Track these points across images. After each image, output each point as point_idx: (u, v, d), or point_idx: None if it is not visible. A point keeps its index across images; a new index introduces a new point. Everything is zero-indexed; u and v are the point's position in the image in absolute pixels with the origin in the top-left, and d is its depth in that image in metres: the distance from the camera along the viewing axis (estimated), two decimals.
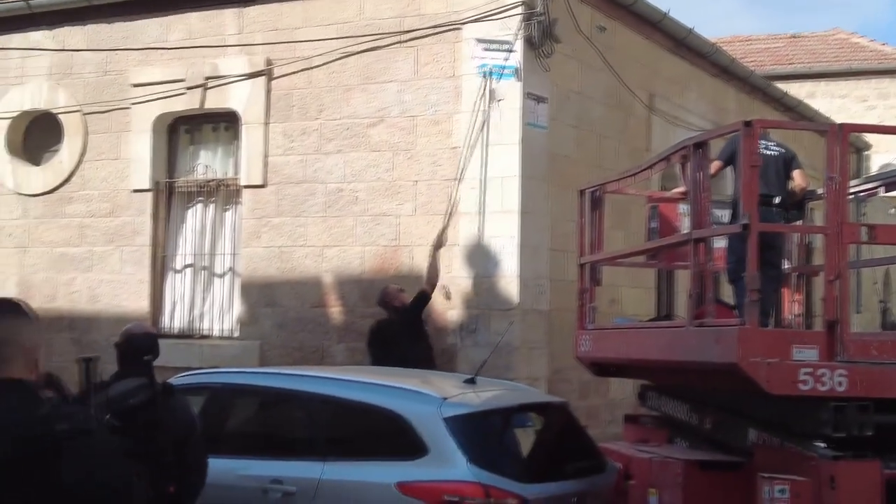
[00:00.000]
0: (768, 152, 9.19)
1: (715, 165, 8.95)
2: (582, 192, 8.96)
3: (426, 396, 6.89)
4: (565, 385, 11.47)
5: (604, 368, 8.94)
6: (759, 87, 17.25)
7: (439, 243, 10.97)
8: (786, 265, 9.53)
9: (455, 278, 10.99)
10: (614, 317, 11.45)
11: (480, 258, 10.97)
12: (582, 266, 8.90)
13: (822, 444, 6.27)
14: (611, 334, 8.51)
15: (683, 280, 13.92)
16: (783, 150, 9.52)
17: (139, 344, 6.28)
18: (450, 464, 6.47)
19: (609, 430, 11.79)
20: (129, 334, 6.55)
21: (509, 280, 10.86)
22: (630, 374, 9.08)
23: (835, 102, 26.60)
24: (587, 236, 8.83)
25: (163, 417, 5.68)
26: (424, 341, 10.55)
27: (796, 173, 9.39)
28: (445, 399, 6.83)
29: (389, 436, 6.88)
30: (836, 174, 6.35)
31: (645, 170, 8.36)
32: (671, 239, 8.49)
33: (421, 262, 11.25)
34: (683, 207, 9.26)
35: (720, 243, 9.02)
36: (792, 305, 9.58)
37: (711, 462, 7.00)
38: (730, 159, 9.21)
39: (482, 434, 6.86)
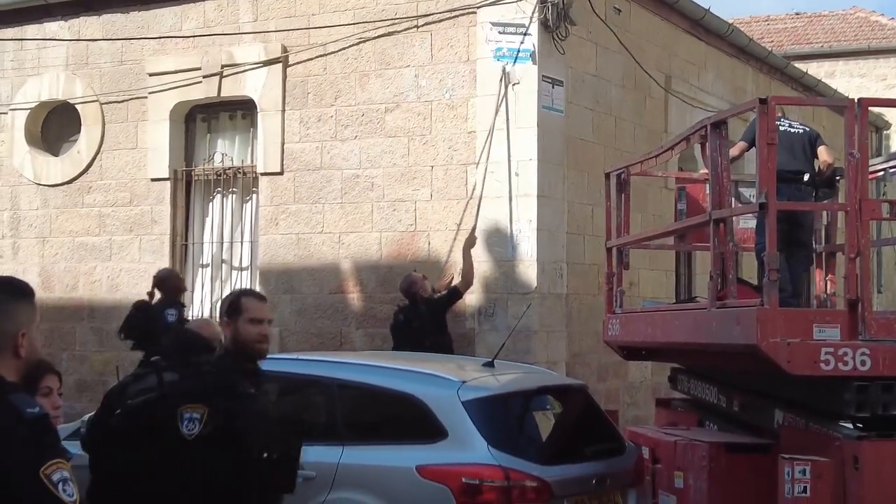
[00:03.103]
0: (793, 130, 9.08)
1: (740, 147, 8.88)
2: (608, 176, 8.91)
3: (444, 380, 6.89)
4: (584, 368, 11.47)
5: (633, 352, 8.88)
6: (777, 67, 17.17)
7: (471, 241, 10.80)
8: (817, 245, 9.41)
9: (473, 263, 10.96)
10: (632, 299, 11.45)
11: (498, 242, 10.95)
12: (609, 250, 8.85)
13: (848, 425, 6.22)
14: (638, 318, 8.46)
15: (702, 261, 13.91)
16: (807, 129, 9.36)
17: (179, 341, 6.21)
18: (469, 447, 6.47)
19: (629, 413, 11.81)
20: (182, 330, 6.42)
21: (527, 264, 10.85)
22: (658, 357, 9.02)
23: (854, 81, 26.44)
24: (613, 219, 8.77)
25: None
26: (447, 332, 10.53)
27: (822, 150, 9.17)
28: (464, 382, 6.82)
29: (408, 420, 6.88)
30: (855, 150, 6.29)
31: (666, 151, 8.31)
32: (692, 220, 8.44)
33: (438, 247, 11.24)
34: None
35: (749, 223, 8.94)
36: (824, 284, 9.46)
37: (737, 444, 6.96)
38: (755, 140, 9.15)
39: (501, 417, 6.86)
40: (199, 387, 4.90)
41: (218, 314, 5.14)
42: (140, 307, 10.85)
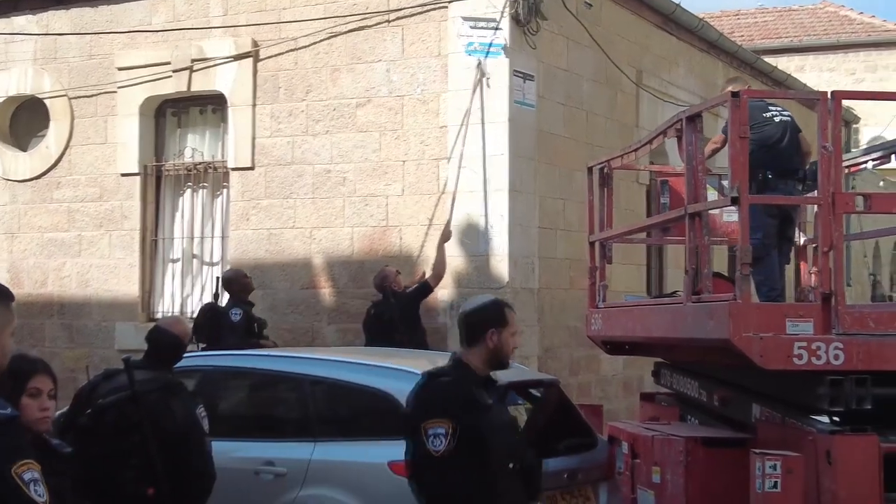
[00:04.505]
0: (784, 118, 8.77)
1: (720, 139, 8.81)
2: (590, 170, 8.88)
3: (416, 375, 6.86)
4: (556, 362, 11.48)
5: (616, 347, 8.84)
6: (747, 62, 17.22)
7: (446, 236, 10.79)
8: (802, 238, 9.33)
9: (445, 257, 10.95)
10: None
11: (470, 237, 10.94)
12: (592, 244, 8.82)
13: (823, 419, 6.20)
14: (619, 312, 8.42)
15: (674, 255, 13.96)
16: (791, 115, 8.96)
17: (150, 340, 6.19)
18: None
19: None
20: (153, 328, 6.36)
21: (499, 259, 10.84)
22: (641, 352, 8.96)
23: (823, 76, 26.60)
24: (596, 214, 8.74)
25: (156, 417, 5.60)
26: (421, 327, 10.52)
27: (801, 139, 8.93)
28: None
29: (380, 415, 6.87)
30: (828, 143, 6.28)
31: (645, 144, 8.29)
32: (668, 214, 8.42)
33: (410, 242, 11.22)
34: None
35: (733, 217, 8.84)
36: (809, 277, 9.38)
37: (714, 439, 6.94)
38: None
39: None
40: (440, 400, 4.81)
41: (476, 322, 5.03)
42: (206, 310, 10.95)
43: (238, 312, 10.58)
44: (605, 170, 8.66)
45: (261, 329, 10.84)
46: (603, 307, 8.54)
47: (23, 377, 4.43)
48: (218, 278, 11.23)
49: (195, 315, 11.22)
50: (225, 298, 10.99)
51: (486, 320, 5.01)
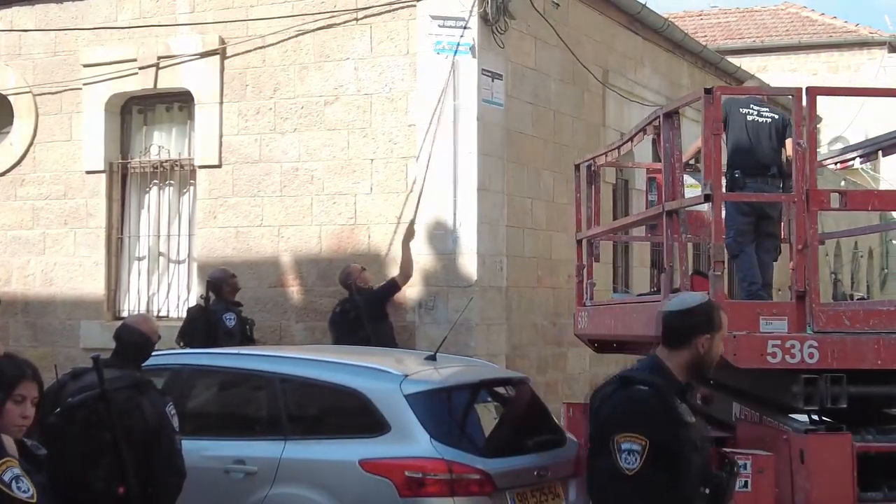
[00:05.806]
0: (762, 119, 8.81)
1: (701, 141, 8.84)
2: (577, 167, 8.86)
3: (387, 374, 6.89)
4: (524, 360, 11.51)
5: (604, 345, 8.81)
6: (712, 62, 17.33)
7: (410, 234, 10.84)
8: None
9: (413, 256, 10.95)
10: (572, 292, 11.50)
11: (438, 235, 10.95)
12: (580, 242, 8.80)
13: (800, 418, 6.22)
14: (604, 311, 8.42)
15: (639, 253, 14.05)
16: (777, 116, 8.93)
17: (118, 338, 6.16)
18: (412, 440, 6.48)
19: None
20: (121, 326, 6.31)
21: (468, 257, 10.86)
22: (628, 349, 8.95)
23: (785, 76, 26.78)
24: (584, 211, 8.72)
25: (126, 415, 5.57)
26: (387, 322, 10.53)
27: (788, 143, 8.78)
28: (406, 376, 6.82)
29: (351, 414, 6.87)
30: (802, 140, 6.30)
31: (626, 142, 8.31)
32: (646, 212, 8.44)
33: (378, 241, 11.22)
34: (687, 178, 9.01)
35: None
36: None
37: None
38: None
39: (443, 410, 6.86)
40: (637, 412, 4.19)
41: (688, 325, 4.36)
42: (196, 313, 10.60)
43: (232, 318, 10.40)
44: (593, 167, 8.65)
45: (252, 330, 10.74)
46: (591, 305, 8.54)
47: (10, 381, 4.38)
48: (208, 282, 10.92)
49: (183, 318, 10.95)
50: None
51: (700, 324, 4.37)
